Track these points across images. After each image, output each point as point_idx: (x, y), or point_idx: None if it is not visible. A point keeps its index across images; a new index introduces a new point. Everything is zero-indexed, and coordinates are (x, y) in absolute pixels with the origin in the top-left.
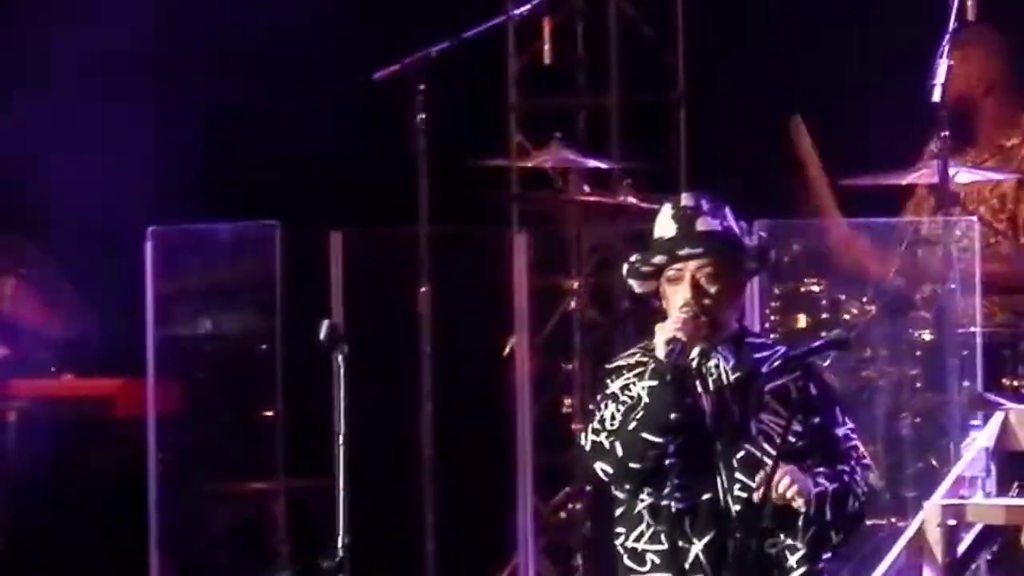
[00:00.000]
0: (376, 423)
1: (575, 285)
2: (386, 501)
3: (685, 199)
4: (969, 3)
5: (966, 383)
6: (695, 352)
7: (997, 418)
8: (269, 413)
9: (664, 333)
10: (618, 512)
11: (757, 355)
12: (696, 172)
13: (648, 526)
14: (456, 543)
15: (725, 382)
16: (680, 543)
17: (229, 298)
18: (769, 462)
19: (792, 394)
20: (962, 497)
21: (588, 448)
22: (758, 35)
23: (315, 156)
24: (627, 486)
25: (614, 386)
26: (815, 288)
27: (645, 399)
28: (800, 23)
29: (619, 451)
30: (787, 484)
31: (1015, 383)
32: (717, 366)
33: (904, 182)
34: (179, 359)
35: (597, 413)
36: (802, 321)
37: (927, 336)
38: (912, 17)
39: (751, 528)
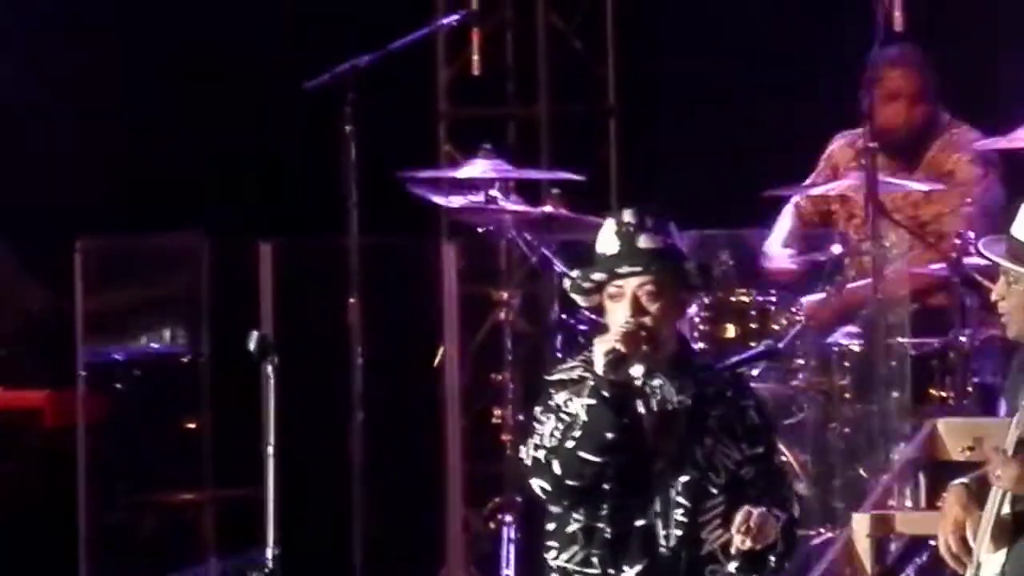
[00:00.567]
0: (306, 433)
1: (505, 296)
2: (316, 511)
3: (627, 215)
4: (896, 15)
5: (895, 393)
6: (639, 371)
7: (925, 428)
8: (197, 424)
9: (604, 345)
10: (551, 527)
11: (700, 375)
12: (626, 183)
13: (582, 548)
14: (386, 553)
15: (668, 403)
16: (611, 570)
17: (158, 309)
18: (713, 491)
19: (737, 422)
20: (891, 508)
21: (527, 463)
22: (688, 46)
23: (244, 166)
24: (564, 503)
25: (556, 399)
26: (744, 298)
27: (583, 417)
28: (730, 33)
29: (556, 469)
30: (765, 530)
31: (943, 393)
32: (661, 386)
33: (832, 192)
34: (108, 370)
35: (537, 427)
36: (731, 331)
37: (856, 346)
38: (840, 28)
39: (690, 556)
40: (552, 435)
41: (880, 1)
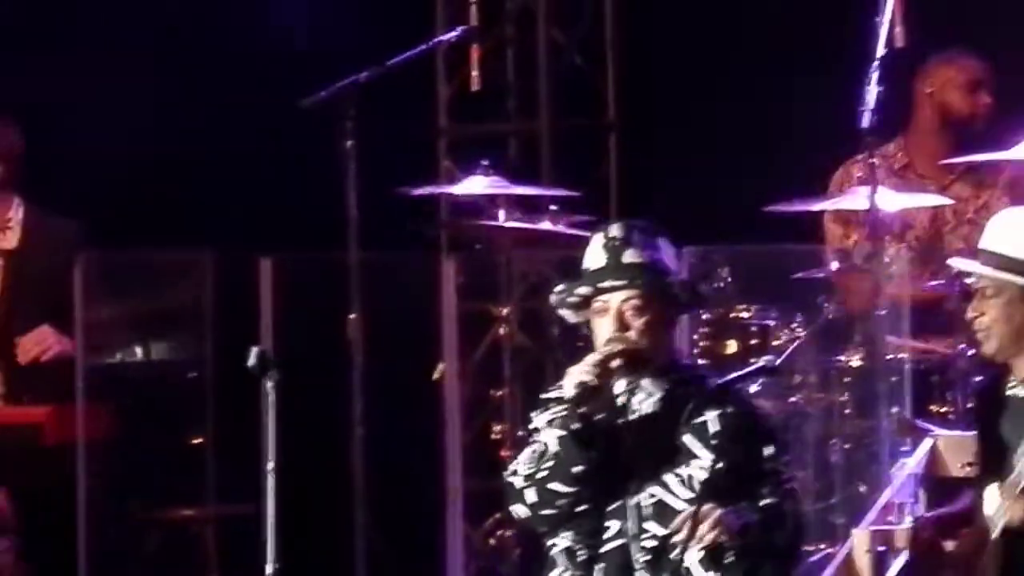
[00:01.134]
0: (306, 449)
1: (504, 311)
2: (316, 527)
3: (615, 229)
4: (898, 30)
5: (895, 409)
6: (621, 386)
7: (925, 444)
8: (199, 440)
9: (574, 377)
10: (546, 548)
11: (685, 389)
12: (627, 198)
13: (563, 569)
14: (386, 569)
15: (648, 418)
16: None
17: (159, 324)
18: (681, 507)
19: (713, 431)
20: (891, 523)
21: (507, 487)
22: (689, 61)
23: (245, 183)
24: (541, 529)
25: (537, 421)
26: (744, 314)
27: (553, 448)
28: (731, 50)
29: (531, 498)
30: (710, 526)
31: (943, 409)
32: (642, 402)
33: (832, 208)
34: (109, 385)
35: (521, 452)
36: (732, 347)
37: (856, 362)
38: (840, 46)
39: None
40: (527, 463)
41: (881, 18)
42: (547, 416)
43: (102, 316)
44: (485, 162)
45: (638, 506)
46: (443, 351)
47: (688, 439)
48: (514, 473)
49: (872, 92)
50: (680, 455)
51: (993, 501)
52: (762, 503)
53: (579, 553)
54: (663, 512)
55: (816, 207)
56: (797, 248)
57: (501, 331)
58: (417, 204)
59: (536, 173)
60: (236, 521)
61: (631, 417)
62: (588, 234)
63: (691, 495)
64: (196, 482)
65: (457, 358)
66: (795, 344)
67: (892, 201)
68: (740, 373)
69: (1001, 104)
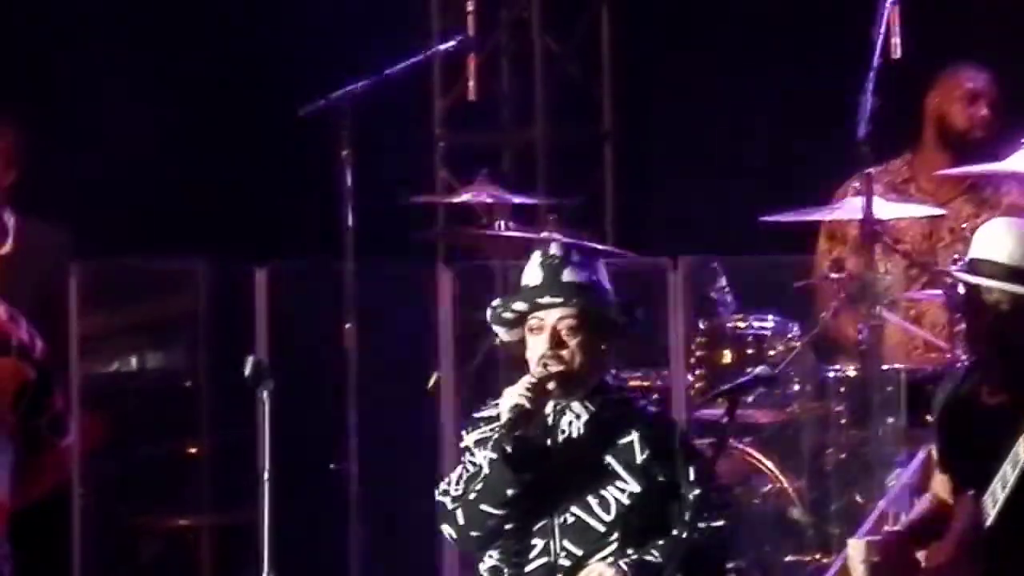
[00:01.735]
0: (302, 458)
1: None
2: (312, 536)
3: (554, 248)
4: (895, 41)
5: (890, 419)
6: (549, 407)
7: (921, 454)
8: (194, 449)
9: (509, 399)
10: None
11: (614, 411)
12: (623, 208)
13: None
14: None
15: (575, 439)
16: None
17: (154, 334)
18: (599, 528)
19: (638, 452)
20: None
21: (438, 508)
22: (685, 70)
23: (241, 191)
24: (470, 549)
25: (468, 439)
26: (740, 324)
27: (486, 470)
28: (727, 59)
29: (460, 519)
30: None
31: None
32: (571, 423)
33: (828, 219)
34: (104, 394)
35: (452, 473)
36: (727, 357)
37: (852, 372)
38: (838, 56)
39: None
40: (458, 483)
41: (879, 29)
42: (477, 436)
43: (97, 325)
44: (484, 171)
45: (559, 526)
46: (439, 361)
47: (612, 460)
48: (444, 493)
49: (867, 103)
50: (604, 476)
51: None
52: (700, 525)
53: (505, 572)
54: (582, 532)
55: (811, 218)
56: (793, 258)
57: (497, 341)
58: (414, 213)
59: (532, 183)
60: (231, 530)
61: (559, 438)
62: (585, 244)
63: (609, 517)
64: (191, 491)
65: (453, 368)
66: (791, 354)
67: (885, 211)
68: (736, 383)
69: (1010, 119)
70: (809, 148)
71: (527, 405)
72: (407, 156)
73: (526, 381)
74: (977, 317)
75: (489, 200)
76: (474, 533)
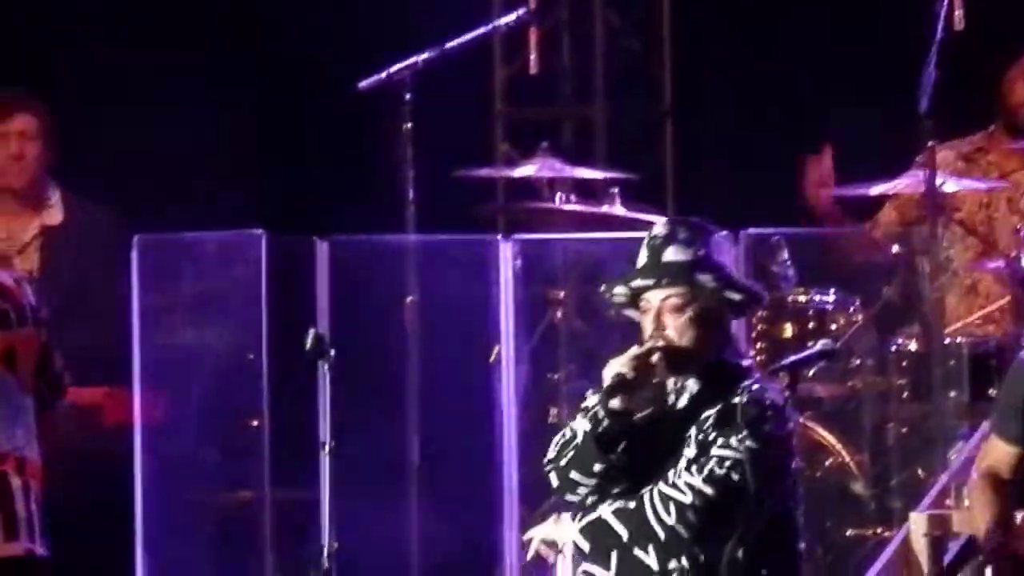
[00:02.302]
0: (362, 432)
1: (561, 295)
2: (372, 511)
3: (658, 227)
4: (957, 14)
5: (952, 393)
6: (670, 385)
7: (983, 428)
8: (255, 423)
9: (612, 367)
10: None
11: (719, 388)
12: (683, 182)
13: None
14: (442, 553)
15: (680, 416)
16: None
17: (215, 307)
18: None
19: (709, 430)
20: (948, 507)
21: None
22: (746, 46)
23: (302, 164)
24: (569, 510)
25: (589, 400)
26: (801, 298)
27: (578, 440)
28: (788, 33)
29: (553, 481)
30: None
31: None
32: (682, 400)
33: (891, 192)
34: (165, 368)
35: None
36: (788, 331)
37: (913, 346)
38: (899, 29)
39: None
40: (554, 447)
41: (941, 1)
42: (593, 400)
43: (157, 299)
44: (544, 145)
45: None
46: (499, 334)
47: (692, 433)
48: (547, 455)
49: (930, 76)
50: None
51: None
52: (673, 481)
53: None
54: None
55: (873, 191)
56: (855, 231)
57: (558, 315)
58: (475, 187)
59: (591, 157)
60: (292, 504)
61: (673, 415)
62: (646, 218)
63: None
64: (252, 465)
65: (513, 341)
66: (853, 328)
67: (948, 184)
68: (798, 357)
69: None
70: (872, 122)
71: (627, 374)
72: (467, 130)
73: (631, 352)
74: None
75: (549, 174)
76: (569, 497)
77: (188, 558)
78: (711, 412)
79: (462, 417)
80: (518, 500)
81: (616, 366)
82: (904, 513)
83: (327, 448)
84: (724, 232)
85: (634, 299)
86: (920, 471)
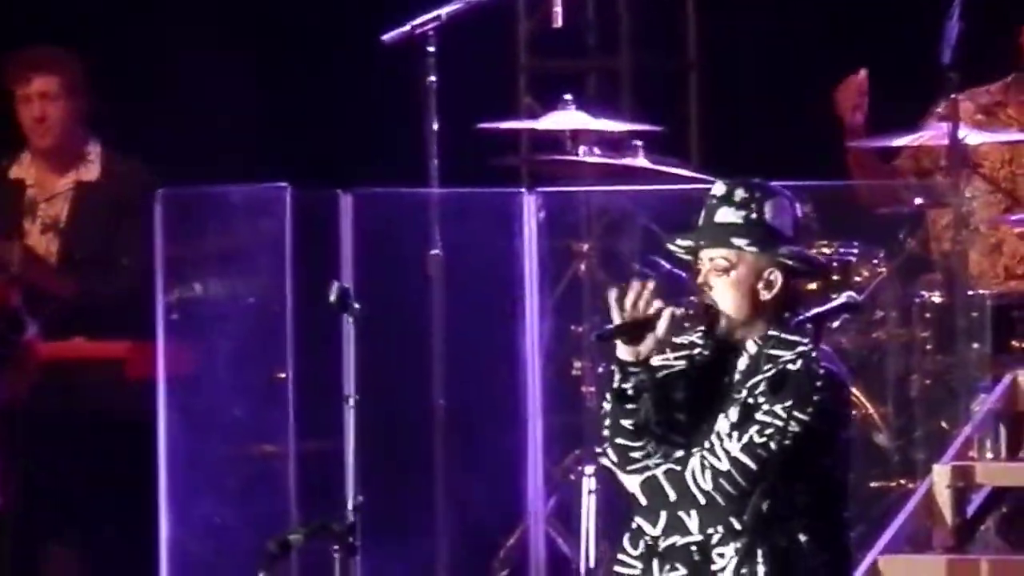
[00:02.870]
0: (386, 385)
1: (585, 247)
2: (396, 464)
3: (717, 187)
4: None
5: (976, 345)
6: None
7: (1006, 380)
8: (281, 375)
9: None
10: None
11: (773, 355)
12: (707, 135)
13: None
14: (467, 504)
15: (728, 379)
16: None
17: (239, 260)
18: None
19: (761, 395)
20: (971, 459)
21: None
22: None
23: (325, 118)
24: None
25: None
26: (825, 250)
27: (607, 407)
28: None
29: (613, 457)
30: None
31: None
32: (735, 363)
33: (914, 144)
34: (189, 321)
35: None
36: (812, 284)
37: (937, 298)
38: None
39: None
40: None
41: None
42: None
43: (182, 252)
44: (567, 97)
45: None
46: (523, 287)
47: (742, 396)
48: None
49: (953, 28)
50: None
51: None
52: (713, 446)
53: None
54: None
55: (897, 143)
56: (879, 184)
57: (581, 267)
58: (498, 139)
59: (616, 110)
60: (317, 456)
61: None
62: (670, 170)
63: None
64: (277, 417)
65: (537, 294)
66: (877, 280)
67: (970, 137)
68: (822, 309)
69: None
70: (896, 74)
71: (621, 324)
72: (491, 83)
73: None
74: None
75: (573, 126)
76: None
77: (213, 511)
78: (762, 377)
79: (486, 370)
80: (542, 452)
81: (668, 306)
82: (927, 465)
83: (351, 401)
84: (788, 193)
85: (694, 255)
86: (943, 423)
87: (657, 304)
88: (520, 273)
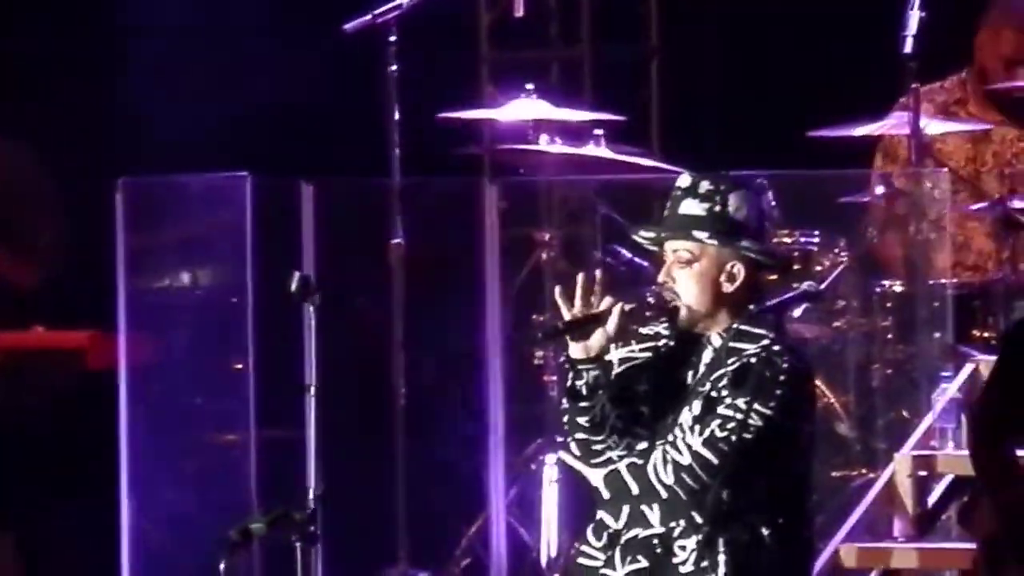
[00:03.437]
0: (347, 374)
1: (546, 237)
2: (357, 452)
3: (683, 178)
4: None
5: (937, 334)
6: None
7: (967, 369)
8: (240, 365)
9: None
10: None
11: (736, 347)
12: (669, 124)
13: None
14: (427, 494)
15: (698, 372)
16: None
17: (200, 250)
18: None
19: (723, 388)
20: (933, 448)
21: None
22: None
23: (286, 107)
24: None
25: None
26: (786, 239)
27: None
28: None
29: (576, 451)
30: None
31: (985, 334)
32: (701, 355)
33: (874, 133)
34: (150, 311)
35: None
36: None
37: (898, 287)
38: None
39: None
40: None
41: None
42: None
43: (143, 241)
44: (529, 87)
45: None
46: (484, 276)
47: (705, 389)
48: None
49: (914, 17)
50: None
51: None
52: (675, 440)
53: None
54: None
55: (857, 132)
56: (840, 173)
57: (543, 256)
58: (460, 129)
59: (578, 99)
60: (278, 445)
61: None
62: (631, 160)
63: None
64: (237, 407)
65: (499, 283)
66: (838, 269)
67: (932, 127)
68: (782, 299)
69: None
70: (857, 63)
71: (560, 324)
72: (453, 72)
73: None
74: None
75: (535, 116)
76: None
77: (173, 500)
78: (726, 370)
79: (447, 359)
80: (503, 442)
81: (616, 304)
82: (889, 454)
83: (312, 390)
84: (761, 182)
85: (659, 246)
86: (905, 412)
87: (607, 300)
88: (481, 262)
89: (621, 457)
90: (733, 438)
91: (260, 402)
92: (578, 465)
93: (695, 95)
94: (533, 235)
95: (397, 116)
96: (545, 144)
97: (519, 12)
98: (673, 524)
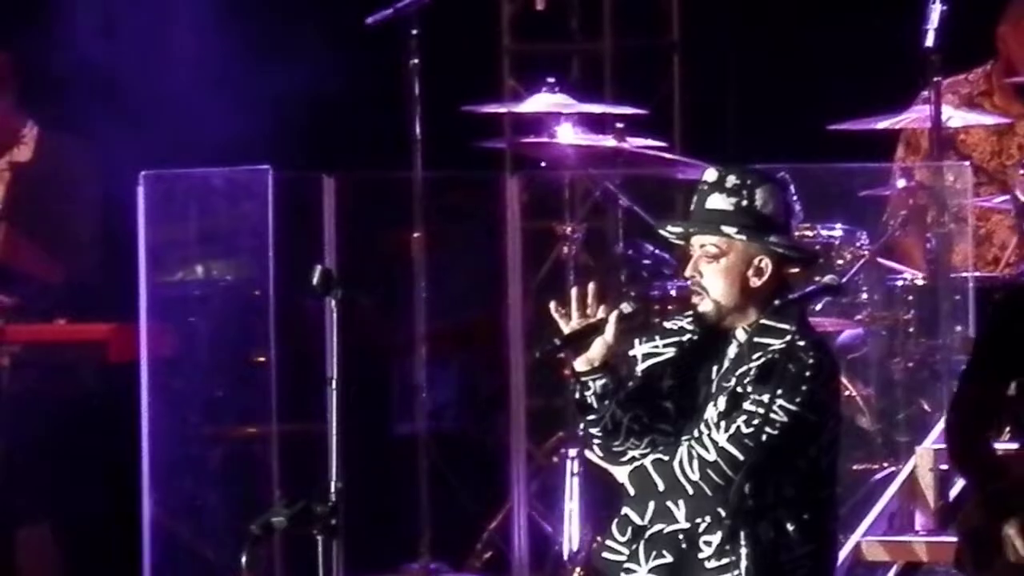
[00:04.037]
0: (369, 367)
1: (568, 230)
2: (379, 446)
3: (709, 172)
4: None
5: (958, 328)
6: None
7: None
8: (262, 358)
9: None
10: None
11: (761, 342)
12: (690, 117)
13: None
14: (449, 486)
15: (721, 367)
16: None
17: (221, 243)
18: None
19: (750, 383)
20: None
21: None
22: None
23: (308, 100)
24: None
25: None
26: (808, 233)
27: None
28: None
29: (599, 452)
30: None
31: None
32: (727, 350)
33: (896, 126)
34: (172, 304)
35: None
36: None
37: (920, 280)
38: None
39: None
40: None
41: None
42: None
43: (165, 236)
44: (550, 80)
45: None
46: (507, 269)
47: (731, 384)
48: None
49: (936, 11)
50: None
51: None
52: (701, 435)
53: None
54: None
55: (879, 125)
56: (861, 166)
57: (565, 249)
58: (481, 122)
59: (599, 92)
60: (299, 438)
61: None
62: (652, 152)
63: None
64: (259, 400)
65: (520, 276)
66: (859, 262)
67: (954, 119)
68: (803, 292)
69: None
70: (878, 56)
71: (558, 341)
72: (474, 65)
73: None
74: None
75: (556, 109)
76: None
77: (195, 494)
78: (751, 365)
79: (469, 352)
80: (525, 434)
81: (626, 305)
82: (910, 447)
83: (334, 383)
84: (783, 175)
85: (686, 241)
86: (926, 405)
87: (602, 309)
88: (503, 255)
89: (645, 454)
90: (759, 434)
91: (281, 395)
92: (604, 464)
93: (716, 88)
94: (555, 228)
95: (419, 109)
96: (567, 137)
97: (540, 5)
98: (699, 520)
